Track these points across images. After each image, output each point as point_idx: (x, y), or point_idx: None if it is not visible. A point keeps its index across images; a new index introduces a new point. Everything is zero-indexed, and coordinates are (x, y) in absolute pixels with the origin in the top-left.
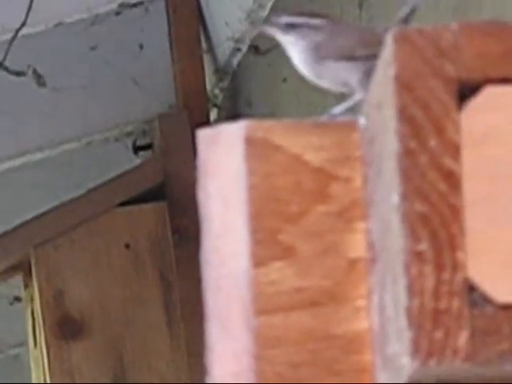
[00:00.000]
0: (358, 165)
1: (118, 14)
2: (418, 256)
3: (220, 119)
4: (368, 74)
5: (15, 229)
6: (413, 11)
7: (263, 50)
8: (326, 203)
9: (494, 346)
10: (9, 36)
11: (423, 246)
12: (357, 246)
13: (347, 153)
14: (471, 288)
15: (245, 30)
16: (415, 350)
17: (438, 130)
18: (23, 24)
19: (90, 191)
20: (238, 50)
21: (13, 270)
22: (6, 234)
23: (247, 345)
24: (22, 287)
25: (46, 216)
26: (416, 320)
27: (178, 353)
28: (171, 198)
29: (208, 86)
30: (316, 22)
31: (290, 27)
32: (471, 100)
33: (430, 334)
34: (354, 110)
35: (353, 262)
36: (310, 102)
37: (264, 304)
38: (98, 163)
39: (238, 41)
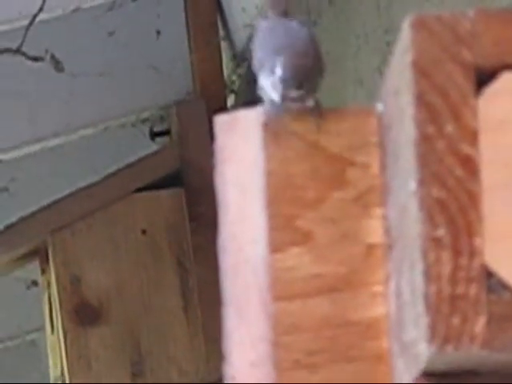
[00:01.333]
0: (375, 151)
1: None
2: (436, 242)
3: (237, 105)
4: None
5: (33, 215)
6: None
7: None
8: (343, 189)
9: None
10: (26, 22)
11: (440, 232)
12: (374, 232)
13: (364, 139)
14: (488, 274)
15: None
16: (432, 335)
17: (456, 116)
18: (40, 9)
19: (106, 177)
20: None
21: (30, 255)
22: (23, 219)
23: (264, 331)
24: (39, 272)
25: (64, 202)
26: (433, 306)
27: (195, 339)
28: (188, 184)
29: (225, 73)
30: None
31: None
32: (488, 86)
33: (447, 319)
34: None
35: (370, 248)
36: (328, 90)
37: (281, 290)
38: (115, 149)
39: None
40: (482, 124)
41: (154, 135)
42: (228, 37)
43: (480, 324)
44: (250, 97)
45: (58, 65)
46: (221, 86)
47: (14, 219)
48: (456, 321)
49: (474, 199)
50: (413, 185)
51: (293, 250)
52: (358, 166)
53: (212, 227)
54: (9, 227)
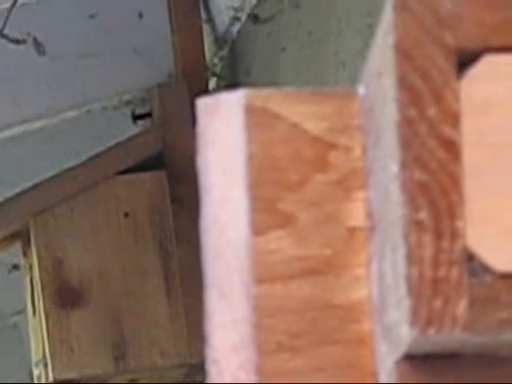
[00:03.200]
0: (358, 134)
1: None
2: (417, 224)
3: (219, 88)
4: None
5: (14, 197)
6: None
7: (262, 19)
8: (326, 172)
9: (493, 314)
10: (8, 4)
11: (422, 215)
12: (356, 214)
13: (346, 121)
14: (470, 257)
15: None
16: (414, 318)
17: (438, 99)
18: None
19: (89, 160)
20: (237, 19)
21: (12, 238)
22: (5, 202)
23: (246, 313)
24: (21, 255)
25: (45, 184)
26: (415, 288)
27: (177, 323)
28: (170, 166)
29: (207, 55)
30: None
31: None
32: (470, 69)
33: (429, 302)
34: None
35: (352, 231)
36: (309, 72)
37: (263, 273)
38: (97, 132)
39: (237, 10)
40: (464, 107)
41: (135, 118)
42: (210, 19)
43: (462, 307)
44: (231, 79)
45: (40, 48)
46: (203, 68)
47: None
48: (438, 303)
49: (456, 182)
50: (395, 168)
51: (275, 232)
52: (340, 148)
53: (194, 210)
54: None
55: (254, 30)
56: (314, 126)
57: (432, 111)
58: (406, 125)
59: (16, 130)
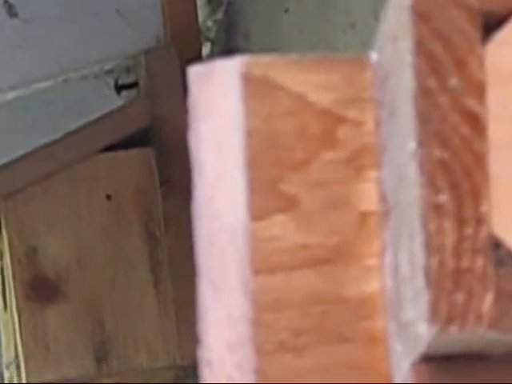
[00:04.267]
0: (370, 106)
1: None
2: (437, 209)
3: (214, 54)
4: None
5: None
6: None
7: None
8: (334, 149)
9: None
10: None
11: (443, 198)
12: (368, 197)
13: (357, 92)
14: (496, 245)
15: None
16: (434, 314)
17: (460, 67)
18: None
19: (66, 135)
20: None
21: None
22: None
23: (244, 309)
24: None
25: (18, 163)
26: (434, 280)
27: (166, 318)
28: (159, 143)
29: (200, 18)
30: None
31: None
32: (497, 33)
33: (450, 296)
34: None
35: (363, 216)
36: (315, 36)
37: (263, 262)
38: (76, 104)
39: None
40: (490, 76)
41: (119, 88)
42: None
43: (487, 301)
44: (227, 45)
45: (11, 9)
46: (195, 32)
47: None
48: (460, 298)
49: (480, 161)
50: (412, 145)
51: (276, 217)
52: (350, 122)
53: (185, 192)
54: None
55: None
56: (320, 98)
57: (454, 81)
58: (425, 96)
59: None
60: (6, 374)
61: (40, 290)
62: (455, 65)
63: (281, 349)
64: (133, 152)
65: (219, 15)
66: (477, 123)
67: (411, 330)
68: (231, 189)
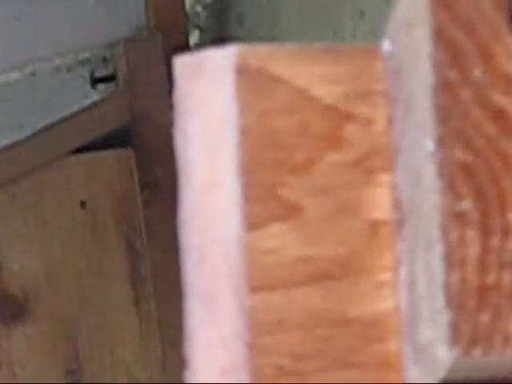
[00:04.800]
0: (381, 101)
1: None
2: (459, 217)
3: (203, 43)
4: None
5: None
6: None
7: None
8: (340, 150)
9: None
10: None
11: (465, 205)
12: (380, 204)
13: (367, 86)
14: None
15: None
16: (455, 335)
17: (485, 57)
18: None
19: (35, 135)
20: None
21: None
22: None
23: (239, 330)
24: None
25: None
26: (456, 298)
27: (148, 340)
28: (140, 143)
29: (187, 2)
30: None
31: None
32: None
33: (473, 316)
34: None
35: (374, 225)
36: (319, 23)
37: (260, 278)
38: (46, 99)
39: None
40: None
41: (95, 81)
42: None
43: None
44: (219, 32)
45: None
46: (182, 18)
47: None
48: (485, 318)
49: (508, 164)
50: (430, 145)
51: (275, 226)
52: (359, 120)
53: (170, 198)
54: None
55: None
56: (325, 92)
57: (478, 72)
58: (445, 90)
59: None
60: None
61: (4, 308)
62: (479, 55)
63: (280, 375)
64: (110, 153)
65: None
66: (504, 120)
67: (429, 353)
68: (223, 195)
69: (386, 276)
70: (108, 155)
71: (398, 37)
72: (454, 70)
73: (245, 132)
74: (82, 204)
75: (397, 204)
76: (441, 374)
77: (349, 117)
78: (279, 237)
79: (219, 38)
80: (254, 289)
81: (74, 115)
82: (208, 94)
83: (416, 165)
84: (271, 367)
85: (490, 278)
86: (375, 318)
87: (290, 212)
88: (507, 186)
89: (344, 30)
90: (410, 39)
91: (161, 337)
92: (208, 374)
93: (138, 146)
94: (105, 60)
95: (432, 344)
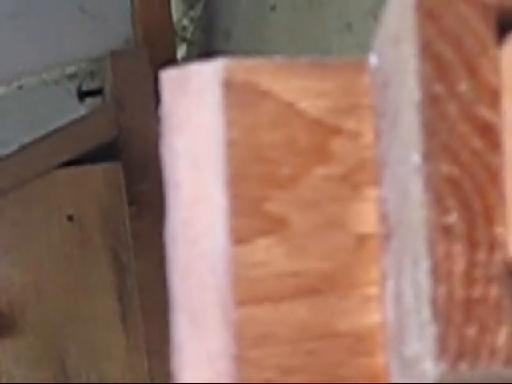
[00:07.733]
0: (368, 115)
1: None
2: (445, 231)
3: (190, 57)
4: None
5: None
6: None
7: None
8: (327, 164)
9: None
10: None
11: (451, 218)
12: (366, 218)
13: (354, 100)
14: None
15: None
16: (442, 349)
17: (471, 71)
18: None
19: (23, 148)
20: None
21: None
22: None
23: (225, 344)
24: None
25: None
26: (442, 312)
27: (135, 354)
28: (127, 157)
29: (174, 16)
30: None
31: None
32: None
33: (460, 329)
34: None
35: (361, 239)
36: (306, 37)
37: (247, 292)
38: (33, 113)
39: None
40: (505, 82)
41: (82, 95)
42: None
43: (502, 335)
44: (206, 47)
45: None
46: (169, 32)
47: None
48: (472, 331)
49: (494, 177)
50: (416, 158)
51: (261, 240)
52: (346, 134)
53: (157, 212)
54: None
55: None
56: (312, 106)
57: (464, 87)
58: (431, 104)
59: None
60: None
61: None
62: (466, 69)
63: None
64: (97, 167)
65: (196, 12)
66: (490, 135)
67: (416, 367)
68: (210, 209)
69: (372, 290)
70: (96, 169)
71: (385, 51)
72: (440, 84)
73: (231, 146)
74: (70, 218)
75: (384, 218)
76: None
77: (336, 131)
78: (266, 251)
79: (206, 52)
80: (240, 302)
81: (61, 129)
82: (195, 107)
83: (403, 179)
84: (257, 381)
85: (477, 292)
86: (362, 332)
87: (276, 226)
88: (493, 200)
89: (331, 44)
90: (397, 53)
91: (147, 350)
92: None
93: (126, 159)
94: (92, 74)
95: (419, 357)
